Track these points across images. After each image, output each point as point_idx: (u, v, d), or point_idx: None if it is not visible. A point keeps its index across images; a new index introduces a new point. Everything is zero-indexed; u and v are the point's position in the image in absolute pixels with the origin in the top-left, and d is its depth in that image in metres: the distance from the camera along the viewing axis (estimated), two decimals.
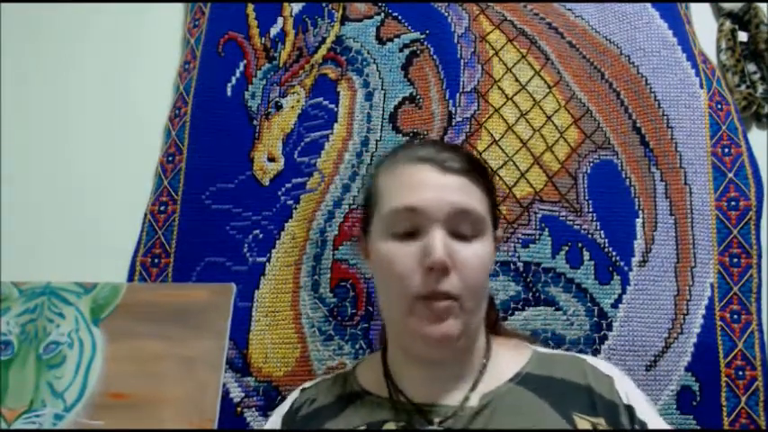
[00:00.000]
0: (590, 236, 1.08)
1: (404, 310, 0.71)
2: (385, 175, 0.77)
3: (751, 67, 1.18)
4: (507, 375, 0.74)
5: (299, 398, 0.83)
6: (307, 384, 0.85)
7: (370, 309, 1.06)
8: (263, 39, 1.25)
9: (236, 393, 1.04)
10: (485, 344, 0.78)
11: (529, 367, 0.76)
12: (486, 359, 0.76)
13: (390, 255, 0.72)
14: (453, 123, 1.14)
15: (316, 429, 0.76)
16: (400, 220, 0.72)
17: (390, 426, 0.72)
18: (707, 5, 1.24)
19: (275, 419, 0.83)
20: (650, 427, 0.71)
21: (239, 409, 1.04)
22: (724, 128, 1.11)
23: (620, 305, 1.04)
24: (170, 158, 1.19)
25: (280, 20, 1.26)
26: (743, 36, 1.20)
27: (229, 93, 1.21)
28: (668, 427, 0.75)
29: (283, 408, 0.83)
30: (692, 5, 1.22)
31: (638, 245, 1.07)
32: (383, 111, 1.17)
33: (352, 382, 0.80)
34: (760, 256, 1.05)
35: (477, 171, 0.76)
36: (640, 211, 1.09)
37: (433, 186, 0.72)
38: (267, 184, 1.16)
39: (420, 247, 0.70)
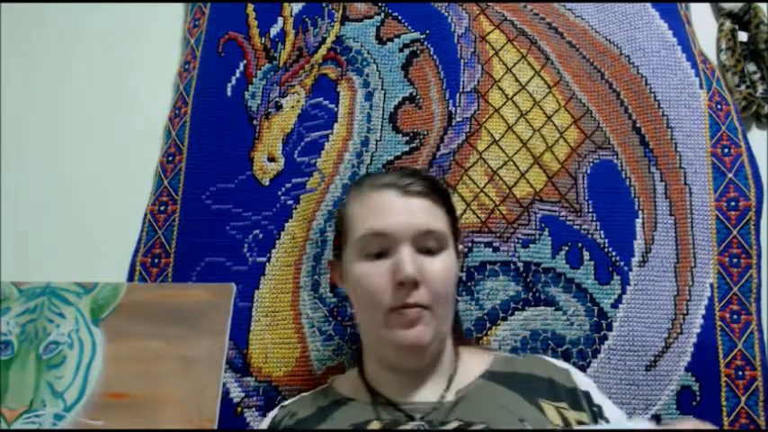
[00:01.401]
0: (590, 236, 1.08)
1: (379, 323, 0.78)
2: (353, 204, 0.85)
3: (751, 67, 1.18)
4: (476, 374, 0.82)
5: (279, 413, 0.87)
6: (286, 402, 0.91)
7: None
8: (263, 39, 1.25)
9: (236, 393, 1.04)
10: (453, 353, 0.85)
11: (494, 367, 0.84)
12: (456, 364, 0.84)
13: (364, 274, 0.80)
14: (453, 123, 1.14)
15: (303, 429, 0.81)
16: (370, 243, 0.80)
17: (375, 425, 0.77)
18: (707, 5, 1.24)
19: None
20: (605, 409, 0.80)
21: (239, 409, 1.04)
22: (724, 128, 1.11)
23: (619, 305, 1.04)
24: (170, 158, 1.19)
25: (280, 20, 1.26)
26: (743, 36, 1.20)
27: (229, 93, 1.21)
28: (618, 410, 0.83)
29: (264, 426, 0.88)
30: (692, 5, 1.22)
31: (638, 245, 1.07)
32: (383, 111, 1.17)
33: (331, 394, 0.86)
34: (760, 257, 1.05)
35: (438, 193, 0.85)
36: (640, 212, 1.09)
37: (398, 210, 0.80)
38: (267, 184, 1.16)
39: (390, 264, 0.78)
